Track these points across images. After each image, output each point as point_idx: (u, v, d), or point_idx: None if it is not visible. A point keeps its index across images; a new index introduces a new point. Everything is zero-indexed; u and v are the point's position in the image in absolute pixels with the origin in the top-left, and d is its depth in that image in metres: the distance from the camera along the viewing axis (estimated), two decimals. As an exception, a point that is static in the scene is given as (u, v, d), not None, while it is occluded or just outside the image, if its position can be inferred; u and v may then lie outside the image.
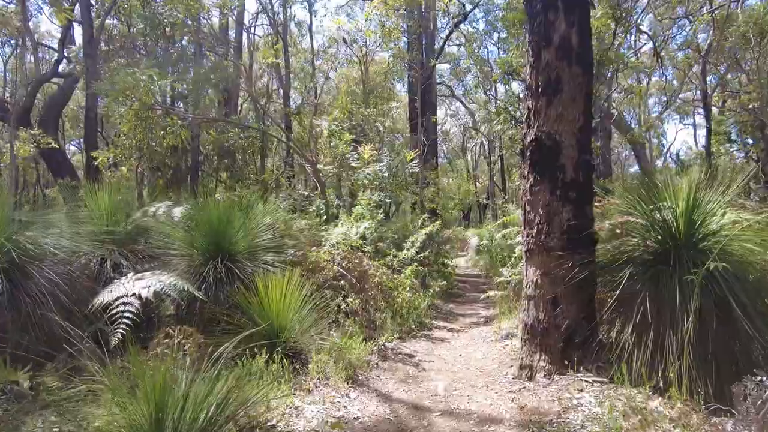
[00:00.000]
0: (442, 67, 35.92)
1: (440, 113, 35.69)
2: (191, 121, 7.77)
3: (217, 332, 4.10)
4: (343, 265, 5.63)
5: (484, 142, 35.52)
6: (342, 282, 5.68)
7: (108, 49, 12.99)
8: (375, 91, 10.75)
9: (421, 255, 6.76)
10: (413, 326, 5.96)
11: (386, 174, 7.18)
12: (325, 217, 6.75)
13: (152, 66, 7.56)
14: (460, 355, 4.86)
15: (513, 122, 10.47)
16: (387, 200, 7.06)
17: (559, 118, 3.70)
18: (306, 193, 7.45)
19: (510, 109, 10.37)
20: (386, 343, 5.17)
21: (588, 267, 3.53)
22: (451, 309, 7.98)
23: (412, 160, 8.46)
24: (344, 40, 11.94)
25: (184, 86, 7.39)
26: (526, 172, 3.88)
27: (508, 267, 5.60)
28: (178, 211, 5.44)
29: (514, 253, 9.32)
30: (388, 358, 4.66)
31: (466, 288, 11.29)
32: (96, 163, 7.56)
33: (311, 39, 22.09)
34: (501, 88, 24.55)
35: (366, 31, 9.81)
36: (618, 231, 3.94)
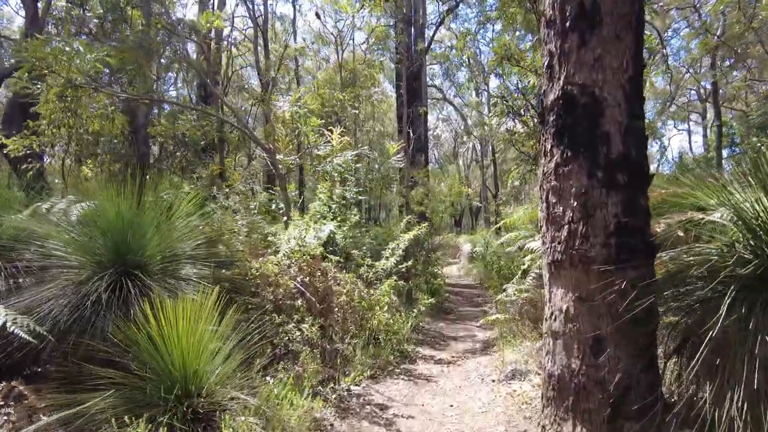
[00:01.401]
0: (433, 70, 35.09)
1: (431, 118, 34.74)
2: (128, 102, 6.43)
3: (90, 383, 2.75)
4: (301, 279, 4.30)
5: (477, 146, 34.62)
6: (299, 301, 4.35)
7: (57, 32, 11.55)
8: (357, 81, 9.53)
9: (404, 265, 5.46)
10: (391, 357, 4.64)
11: (360, 165, 5.92)
12: (285, 218, 5.45)
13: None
14: (451, 405, 3.54)
15: (511, 114, 9.28)
16: (360, 197, 5.77)
17: (598, 63, 2.45)
18: (256, 189, 6.15)
19: (507, 98, 9.17)
20: (352, 387, 3.84)
21: (648, 289, 2.27)
22: (441, 330, 6.67)
23: (396, 153, 7.22)
24: (317, 15, 10.73)
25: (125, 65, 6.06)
26: (549, 146, 2.62)
27: (513, 283, 4.33)
28: (77, 209, 4.08)
29: (518, 262, 8.10)
30: (350, 413, 3.33)
31: (458, 301, 10.00)
32: (6, 152, 6.17)
33: (294, 34, 20.90)
34: (494, 83, 23.52)
35: (342, 4, 8.57)
36: (680, 233, 2.69)
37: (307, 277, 4.32)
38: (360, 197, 5.69)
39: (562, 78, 2.55)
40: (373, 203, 26.60)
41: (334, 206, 5.22)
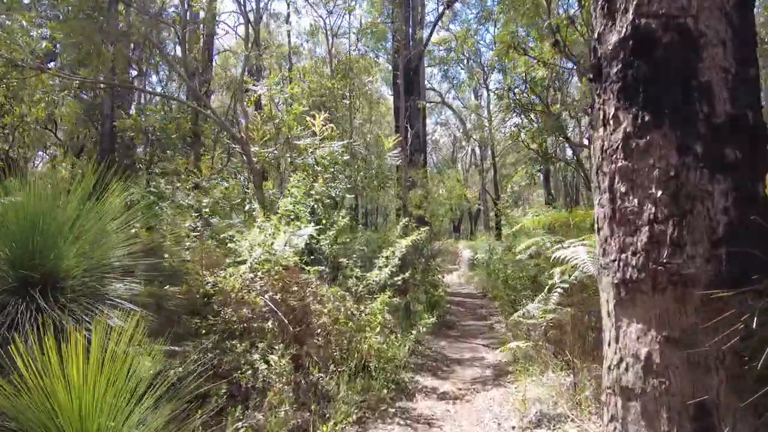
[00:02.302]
0: (432, 72, 34.50)
1: (430, 122, 34.02)
2: (93, 88, 5.60)
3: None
4: (270, 296, 3.44)
5: (476, 150, 33.95)
6: (269, 323, 3.49)
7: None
8: (351, 73, 8.74)
9: (401, 277, 4.61)
10: (385, 391, 3.77)
11: (348, 157, 5.07)
12: (258, 220, 4.57)
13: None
14: (463, 469, 2.67)
15: (518, 108, 8.49)
16: (348, 195, 4.92)
17: (687, -15, 1.63)
18: (220, 183, 5.30)
19: (514, 91, 8.40)
20: (332, 439, 2.97)
21: (784, 327, 1.42)
22: (443, 350, 5.80)
23: (392, 149, 6.41)
24: None
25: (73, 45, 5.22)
26: (612, 110, 1.78)
27: (538, 302, 3.48)
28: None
29: (528, 272, 7.24)
30: (325, 484, 2.46)
31: (460, 313, 9.13)
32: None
33: (288, 34, 20.22)
34: (494, 84, 22.80)
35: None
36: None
37: (279, 294, 3.46)
38: (348, 195, 4.86)
39: (631, 8, 1.72)
40: (370, 207, 25.79)
41: (314, 205, 4.39)
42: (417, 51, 10.60)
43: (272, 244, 3.36)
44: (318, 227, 4.36)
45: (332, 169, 4.87)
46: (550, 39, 7.68)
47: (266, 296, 3.32)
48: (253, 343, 3.29)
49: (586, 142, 9.24)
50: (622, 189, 1.70)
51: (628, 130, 1.69)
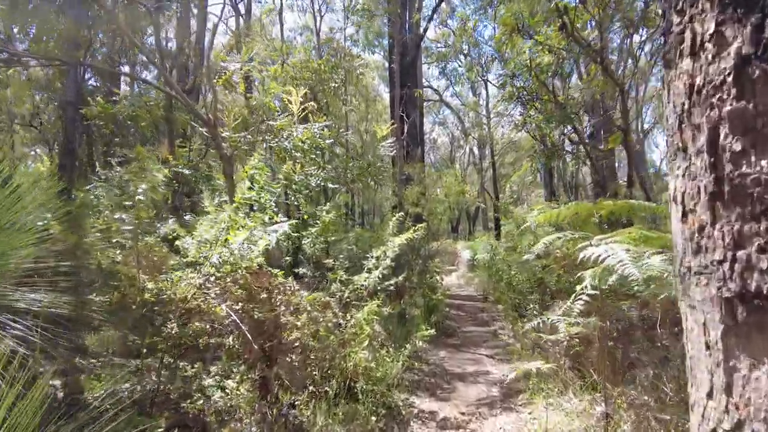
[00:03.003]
0: (430, 73, 33.94)
1: (427, 122, 33.43)
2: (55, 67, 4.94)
3: None
4: (227, 307, 2.80)
5: (474, 149, 33.42)
6: (230, 339, 2.86)
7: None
8: (341, 58, 8.10)
9: (394, 281, 3.97)
10: (373, 419, 3.13)
11: (331, 141, 4.41)
12: (229, 215, 3.91)
13: None
14: None
15: (523, 95, 7.87)
16: (331, 184, 4.27)
17: None
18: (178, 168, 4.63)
19: (519, 77, 7.79)
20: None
21: None
22: (443, 362, 5.17)
23: (384, 138, 5.78)
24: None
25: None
26: (712, 26, 1.14)
27: (564, 318, 2.82)
28: None
29: (532, 273, 6.62)
30: None
31: (460, 318, 8.50)
32: None
33: (281, 26, 19.59)
34: (494, 85, 22.22)
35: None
36: None
37: (241, 303, 2.82)
38: (330, 184, 4.22)
39: None
40: (367, 207, 25.15)
41: (292, 195, 3.77)
42: (414, 40, 9.99)
43: (227, 241, 2.72)
44: (299, 223, 3.72)
45: (313, 155, 4.23)
46: (557, 23, 7.08)
47: (224, 306, 2.69)
48: (209, 361, 2.66)
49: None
50: (736, 147, 1.07)
51: (743, 51, 1.06)
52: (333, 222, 5.45)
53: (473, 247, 18.05)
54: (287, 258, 4.96)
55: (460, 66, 22.03)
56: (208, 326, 2.78)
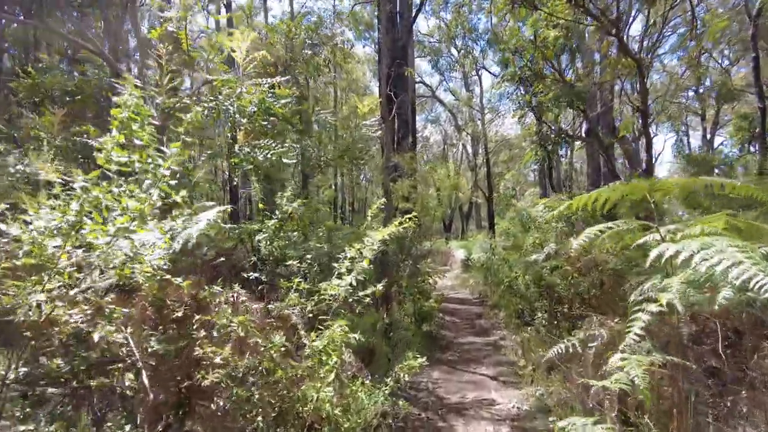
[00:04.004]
0: (424, 69, 33.02)
1: (420, 119, 32.47)
2: None
3: None
4: (121, 332, 1.81)
5: (468, 147, 32.61)
6: (126, 378, 1.86)
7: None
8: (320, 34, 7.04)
9: (372, 290, 2.98)
10: (339, 491, 2.16)
11: (290, 100, 3.42)
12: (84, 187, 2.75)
13: None
14: None
15: (527, 75, 6.95)
16: (287, 160, 3.26)
17: None
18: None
19: (520, 53, 6.86)
20: None
21: None
22: (437, 386, 4.22)
23: (368, 115, 4.81)
24: None
25: None
26: None
27: (629, 348, 1.87)
28: None
29: (537, 277, 5.71)
30: None
31: (455, 326, 7.56)
32: None
33: (265, 11, 18.50)
34: (489, 61, 21.27)
35: None
36: None
37: (135, 328, 1.83)
38: (287, 160, 3.22)
39: None
40: (358, 206, 24.07)
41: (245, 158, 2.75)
42: (406, 26, 9.01)
43: (79, 230, 1.71)
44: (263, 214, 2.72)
45: (264, 122, 3.24)
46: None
47: (97, 335, 1.70)
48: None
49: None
50: None
51: None
52: (307, 215, 4.48)
53: (467, 246, 17.17)
54: (252, 258, 3.98)
55: (454, 49, 20.88)
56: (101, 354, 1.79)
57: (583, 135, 7.48)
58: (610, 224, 2.14)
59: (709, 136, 27.04)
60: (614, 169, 13.61)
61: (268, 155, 3.07)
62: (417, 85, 28.54)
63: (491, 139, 27.54)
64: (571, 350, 2.58)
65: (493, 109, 29.44)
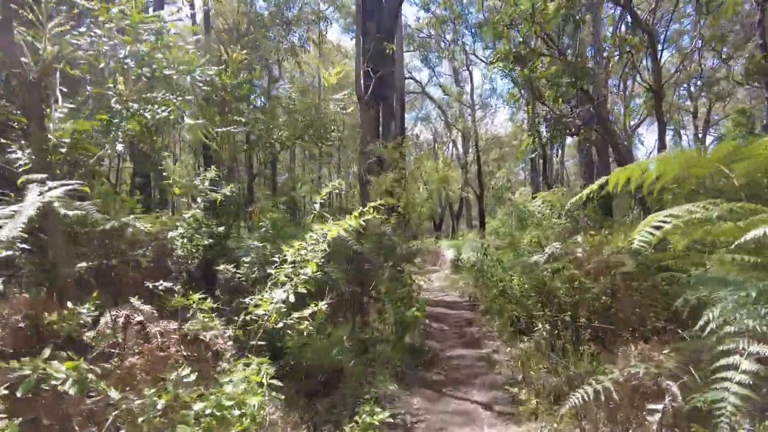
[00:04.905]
0: (414, 65, 32.18)
1: (408, 118, 31.53)
2: None
3: None
4: None
5: (459, 144, 31.92)
6: None
7: None
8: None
9: (311, 310, 2.08)
10: None
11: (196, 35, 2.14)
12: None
13: None
14: None
15: (520, 55, 6.15)
16: (184, 112, 2.40)
17: None
18: None
19: (516, 26, 6.07)
20: None
21: None
22: (418, 417, 3.40)
23: (334, 86, 3.92)
24: None
25: None
26: None
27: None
28: None
29: (540, 280, 4.90)
30: None
31: (443, 335, 6.75)
32: None
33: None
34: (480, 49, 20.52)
35: None
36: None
37: None
38: (190, 119, 2.34)
39: None
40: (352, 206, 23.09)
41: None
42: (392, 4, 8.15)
43: None
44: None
45: (150, 69, 2.33)
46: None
47: None
48: None
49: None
50: None
51: None
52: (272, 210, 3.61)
53: (458, 245, 16.39)
54: (195, 259, 3.08)
55: (444, 35, 19.99)
56: None
57: (584, 122, 6.72)
58: (687, 207, 1.34)
59: (701, 135, 26.75)
60: (608, 164, 12.96)
61: (162, 112, 2.19)
62: (407, 81, 27.72)
63: (482, 138, 26.93)
64: (603, 395, 1.76)
65: (484, 105, 28.80)
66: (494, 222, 15.71)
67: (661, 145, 5.37)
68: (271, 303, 1.93)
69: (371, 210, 2.27)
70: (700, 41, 10.93)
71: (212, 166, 2.73)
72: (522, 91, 5.92)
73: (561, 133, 5.97)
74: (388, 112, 6.77)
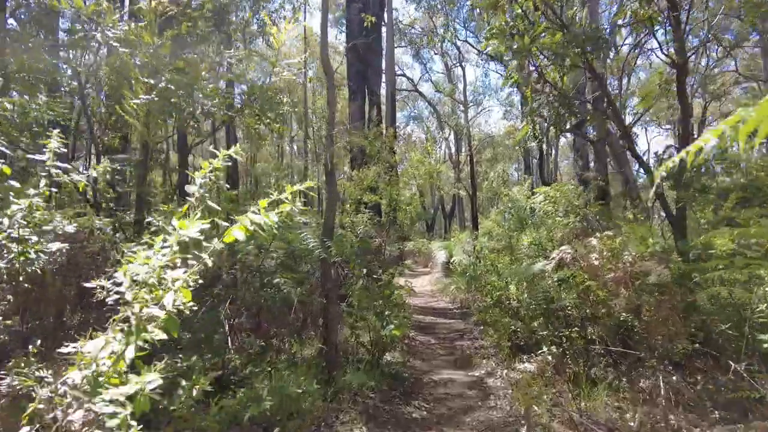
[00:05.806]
0: (404, 61, 31.33)
1: (400, 116, 30.67)
2: None
3: None
4: None
5: (451, 143, 31.18)
6: None
7: None
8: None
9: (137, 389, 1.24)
10: None
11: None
12: None
13: None
14: None
15: (518, 31, 5.30)
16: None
17: None
18: None
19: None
20: None
21: None
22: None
23: (283, 44, 2.84)
24: None
25: None
26: None
27: None
28: None
29: (545, 289, 4.03)
30: None
31: (430, 348, 5.87)
32: None
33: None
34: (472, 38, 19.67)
35: None
36: None
37: None
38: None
39: None
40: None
41: None
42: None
43: None
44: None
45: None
46: None
47: None
48: None
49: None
50: None
51: None
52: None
53: (449, 247, 15.53)
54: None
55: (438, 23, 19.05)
56: None
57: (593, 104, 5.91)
58: None
59: (696, 135, 26.38)
60: (606, 164, 12.16)
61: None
62: (399, 79, 26.89)
63: (474, 137, 26.23)
64: None
65: (477, 102, 28.04)
66: (487, 222, 14.86)
67: (685, 134, 4.56)
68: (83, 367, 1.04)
69: (290, 198, 1.39)
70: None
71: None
72: (520, 68, 5.06)
73: (563, 119, 5.13)
74: (362, 88, 5.87)
